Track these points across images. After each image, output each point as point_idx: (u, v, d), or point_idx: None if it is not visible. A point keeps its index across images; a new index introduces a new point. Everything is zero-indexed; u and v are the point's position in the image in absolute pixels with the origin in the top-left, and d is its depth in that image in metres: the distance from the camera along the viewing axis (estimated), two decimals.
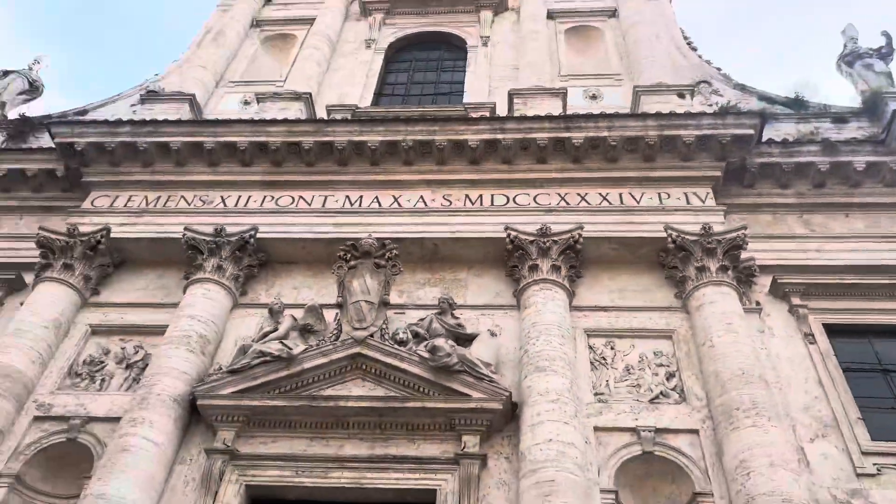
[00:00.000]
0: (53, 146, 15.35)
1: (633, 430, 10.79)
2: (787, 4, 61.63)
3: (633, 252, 13.27)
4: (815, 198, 14.04)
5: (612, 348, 12.08)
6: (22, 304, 13.08)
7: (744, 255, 12.72)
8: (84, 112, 17.72)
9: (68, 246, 13.54)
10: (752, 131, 13.96)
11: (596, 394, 11.42)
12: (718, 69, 17.93)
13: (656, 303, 12.74)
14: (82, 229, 13.79)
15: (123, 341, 12.84)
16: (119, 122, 15.38)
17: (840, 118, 15.40)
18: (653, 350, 11.99)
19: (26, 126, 16.98)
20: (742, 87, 17.05)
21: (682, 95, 16.09)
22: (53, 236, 13.62)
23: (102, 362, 12.55)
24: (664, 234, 12.94)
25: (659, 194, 13.88)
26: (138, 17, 63.63)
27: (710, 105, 16.12)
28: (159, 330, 12.59)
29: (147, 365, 12.14)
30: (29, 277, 13.64)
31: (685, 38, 19.53)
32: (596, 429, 10.89)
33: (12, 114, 17.77)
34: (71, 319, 13.03)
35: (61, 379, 12.28)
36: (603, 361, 11.91)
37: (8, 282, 13.90)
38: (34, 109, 17.87)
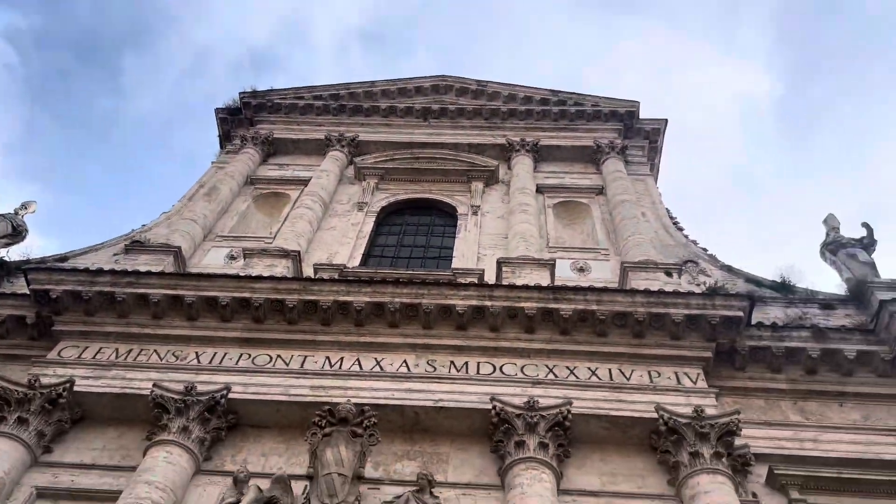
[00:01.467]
0: (27, 292, 14.92)
1: None
2: (767, 188, 64.99)
3: (624, 432, 12.70)
4: (808, 384, 13.77)
5: None
6: None
7: (738, 441, 12.20)
8: (64, 258, 17.49)
9: (26, 398, 12.75)
10: (741, 313, 13.90)
11: None
12: (704, 249, 18.28)
13: (648, 489, 12.04)
14: (44, 381, 13.07)
15: None
16: (99, 272, 15.11)
17: (827, 304, 15.49)
18: None
19: (3, 270, 16.64)
20: (728, 269, 17.28)
21: (669, 273, 16.23)
22: (12, 387, 12.86)
23: None
24: (655, 415, 12.45)
25: (649, 372, 13.56)
26: (129, 165, 65.70)
27: (698, 285, 16.21)
28: (112, 496, 11.59)
29: None
30: None
31: (671, 217, 20.13)
32: None
33: None
34: (16, 480, 11.99)
35: None
36: None
37: None
38: (14, 253, 17.58)
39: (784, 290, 16.29)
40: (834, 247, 16.71)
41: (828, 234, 17.26)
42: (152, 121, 68.68)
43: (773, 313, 15.27)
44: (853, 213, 53.85)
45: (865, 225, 16.88)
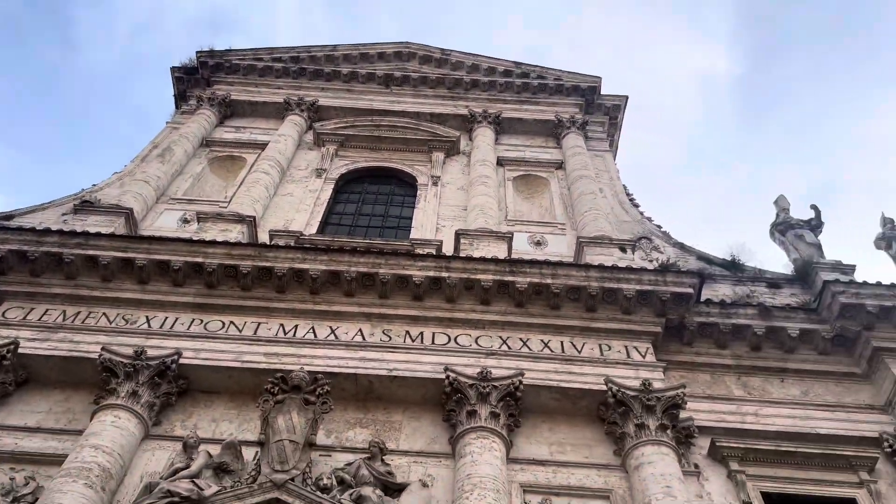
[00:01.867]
0: None
1: None
2: (723, 166, 66.14)
3: (573, 403, 12.96)
4: (753, 360, 14.20)
5: None
6: None
7: (683, 414, 12.55)
8: (9, 217, 16.91)
9: None
10: (691, 290, 14.22)
11: None
12: (659, 227, 18.60)
13: (595, 459, 12.33)
14: None
15: (13, 471, 11.52)
16: (46, 231, 14.72)
17: (774, 284, 15.93)
18: None
19: None
20: (681, 246, 17.62)
21: (623, 249, 16.48)
22: None
23: None
24: (605, 388, 12.72)
25: (600, 345, 13.82)
26: (79, 120, 63.58)
27: (651, 261, 16.50)
28: (57, 460, 11.43)
29: (37, 500, 10.86)
30: None
31: (628, 194, 20.41)
32: None
33: None
34: None
35: None
36: None
37: None
38: None
39: (734, 268, 16.69)
40: (783, 227, 17.15)
41: (778, 215, 17.70)
42: (104, 75, 66.43)
43: (722, 291, 15.66)
44: (804, 194, 55.20)
45: (814, 207, 17.36)
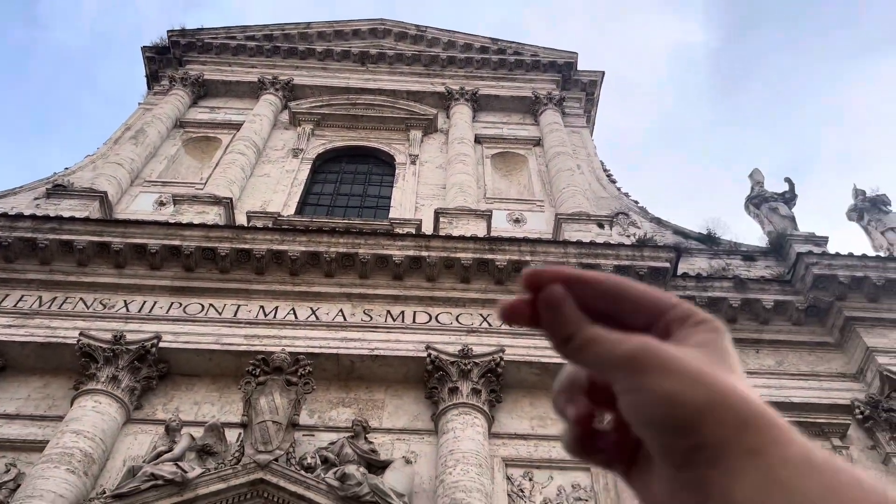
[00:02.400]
0: None
1: None
2: (698, 139, 66.56)
3: (554, 378, 12.96)
4: (728, 333, 14.36)
5: (530, 479, 11.66)
6: None
7: None
8: None
9: None
10: (668, 264, 14.39)
11: None
12: (636, 202, 18.74)
13: None
14: None
15: None
16: (19, 216, 14.49)
17: (749, 256, 16.16)
18: (571, 482, 11.63)
19: None
20: (658, 221, 17.78)
21: (601, 225, 16.60)
22: None
23: None
24: None
25: None
26: (48, 101, 62.30)
27: (628, 236, 16.64)
28: (38, 446, 11.37)
29: (18, 486, 10.80)
30: None
31: (605, 170, 20.50)
32: None
33: None
34: None
35: None
36: (521, 494, 11.44)
37: None
38: None
39: (709, 241, 16.90)
40: (758, 200, 17.37)
41: (752, 188, 17.91)
42: (73, 54, 65.03)
43: (698, 264, 15.85)
44: (780, 164, 55.81)
45: (788, 180, 17.59)
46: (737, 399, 0.62)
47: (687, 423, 0.61)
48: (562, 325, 0.71)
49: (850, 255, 14.57)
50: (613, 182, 19.94)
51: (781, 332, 14.47)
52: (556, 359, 13.10)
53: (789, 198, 17.17)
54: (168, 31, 23.89)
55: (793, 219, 16.67)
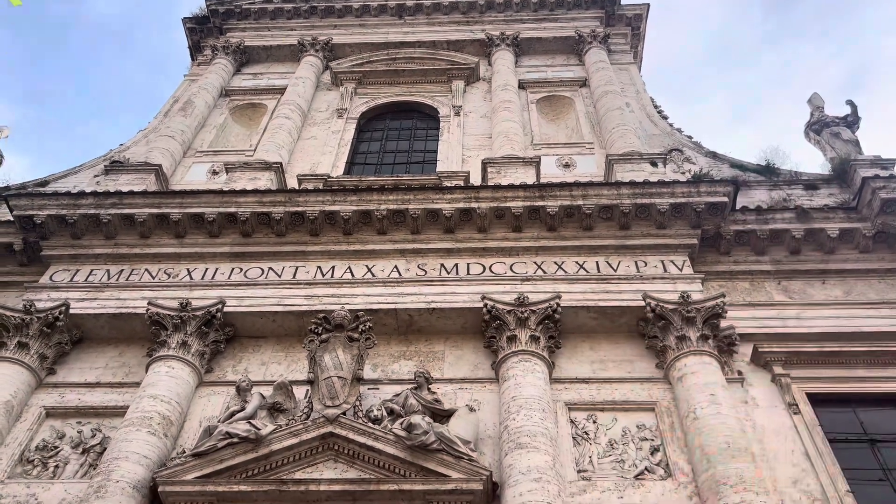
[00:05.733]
0: (11, 219, 14.81)
1: None
2: (750, 60, 63.84)
3: (612, 321, 13.03)
4: (792, 265, 14.04)
5: (594, 422, 11.70)
6: None
7: (724, 323, 12.55)
8: (45, 183, 17.28)
9: (24, 323, 12.90)
10: (726, 199, 14.00)
11: (579, 471, 10.96)
12: (689, 137, 18.19)
13: (638, 373, 12.43)
14: (39, 305, 13.19)
15: (80, 424, 12.11)
16: (82, 194, 14.96)
17: (811, 185, 15.58)
18: (636, 423, 11.63)
19: None
20: (713, 155, 17.26)
21: (654, 164, 16.21)
22: (8, 313, 12.99)
23: (57, 447, 11.77)
24: (643, 303, 12.75)
25: (636, 262, 13.76)
26: (92, 73, 63.37)
27: (683, 173, 16.23)
28: (119, 411, 11.96)
29: (105, 449, 11.43)
30: None
31: (655, 106, 19.90)
32: None
33: None
34: (24, 402, 12.31)
35: (11, 466, 11.46)
36: (585, 436, 11.49)
37: None
38: None
39: (768, 172, 16.34)
40: (818, 126, 16.63)
41: (812, 114, 17.13)
42: (113, 25, 65.73)
43: (757, 196, 15.38)
44: (837, 83, 52.92)
45: (850, 102, 16.74)
46: None
47: None
48: None
49: None
50: (665, 118, 19.34)
51: (848, 261, 14.00)
52: (613, 301, 13.02)
53: (852, 121, 16.38)
54: (206, 0, 23.99)
55: (857, 143, 15.92)
